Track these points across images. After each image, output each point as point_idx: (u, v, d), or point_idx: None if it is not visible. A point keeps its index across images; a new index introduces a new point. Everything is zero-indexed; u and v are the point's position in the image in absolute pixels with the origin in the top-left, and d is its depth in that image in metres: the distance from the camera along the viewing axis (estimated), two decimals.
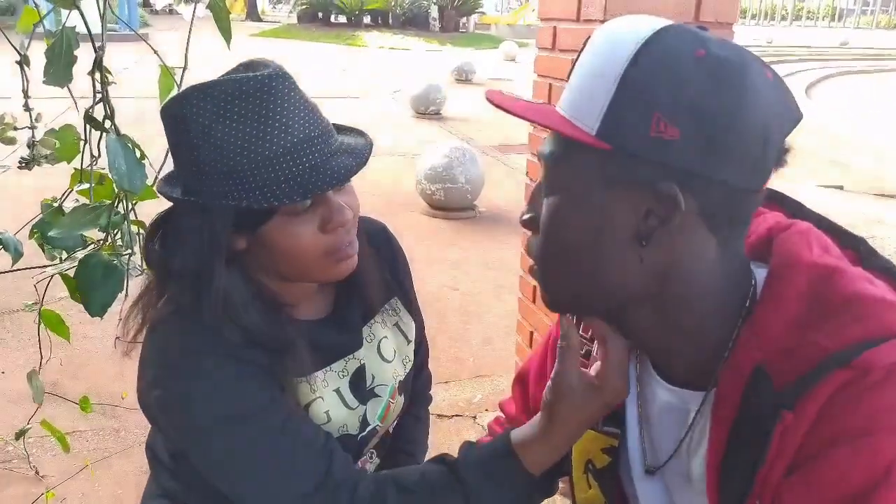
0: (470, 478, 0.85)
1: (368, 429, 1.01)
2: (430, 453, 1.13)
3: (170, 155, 0.91)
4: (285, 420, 0.88)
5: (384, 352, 1.05)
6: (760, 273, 0.69)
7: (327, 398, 0.96)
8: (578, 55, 0.67)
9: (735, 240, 0.67)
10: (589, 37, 0.67)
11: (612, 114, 0.61)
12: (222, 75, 0.85)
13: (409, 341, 1.11)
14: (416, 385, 1.22)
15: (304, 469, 0.86)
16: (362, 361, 1.01)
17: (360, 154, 0.87)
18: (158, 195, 0.92)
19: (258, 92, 0.80)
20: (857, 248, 0.71)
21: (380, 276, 1.05)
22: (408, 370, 1.09)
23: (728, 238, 0.65)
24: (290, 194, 0.81)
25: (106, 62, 1.30)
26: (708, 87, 0.59)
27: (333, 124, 0.92)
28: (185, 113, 0.82)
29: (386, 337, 1.07)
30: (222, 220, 0.83)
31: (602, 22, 1.80)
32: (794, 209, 0.77)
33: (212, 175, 0.82)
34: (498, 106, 0.68)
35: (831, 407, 0.59)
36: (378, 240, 1.11)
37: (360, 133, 0.96)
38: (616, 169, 0.63)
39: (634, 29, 0.62)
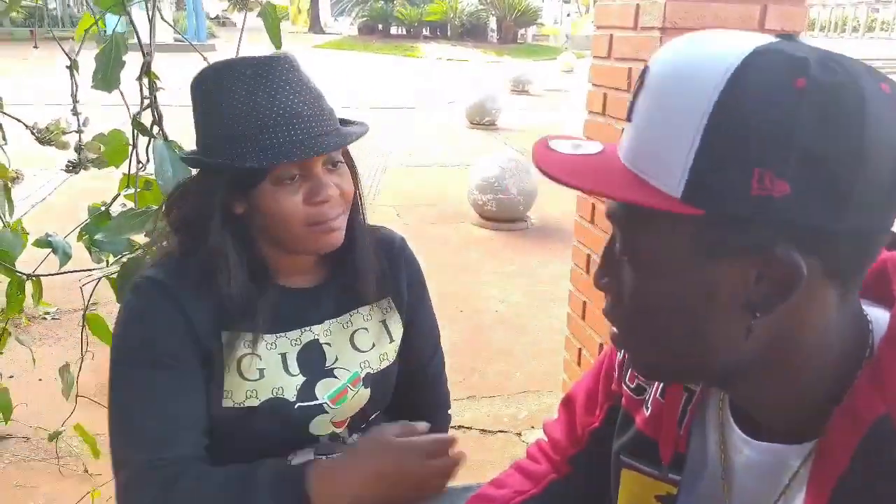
0: (259, 485, 0.92)
1: (313, 402, 1.04)
2: (474, 471, 1.09)
3: None
4: (173, 384, 0.96)
5: (358, 341, 1.10)
6: (876, 313, 0.60)
7: (266, 358, 1.02)
8: (637, 91, 0.57)
9: (856, 287, 0.57)
10: (646, 67, 0.56)
11: (700, 172, 0.50)
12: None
13: (391, 340, 1.14)
14: (430, 400, 1.25)
15: (150, 435, 0.94)
16: (317, 337, 1.06)
17: (346, 136, 0.97)
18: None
19: (256, 69, 0.92)
20: None
21: (375, 273, 1.10)
22: (383, 366, 1.12)
23: (850, 288, 0.56)
24: (266, 159, 0.90)
25: (171, 72, 1.31)
26: (818, 126, 0.48)
27: (341, 119, 1.01)
28: (199, 85, 0.96)
29: (366, 329, 1.11)
30: (217, 179, 0.94)
31: (661, 30, 1.74)
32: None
33: (212, 137, 0.95)
34: (551, 177, 0.57)
35: None
36: (390, 247, 1.16)
37: (361, 124, 1.04)
38: (715, 236, 0.52)
39: (713, 58, 0.51)
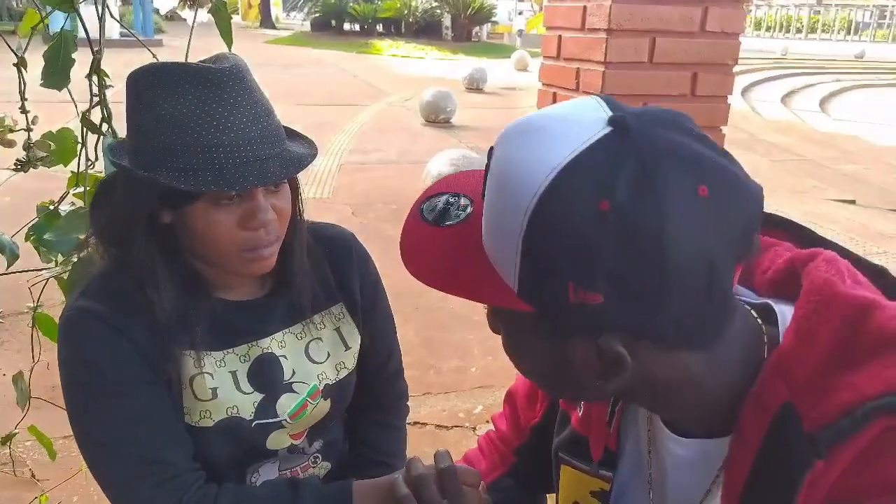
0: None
1: (272, 419, 1.01)
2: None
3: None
4: (141, 407, 0.92)
5: (312, 352, 1.06)
6: (785, 310, 0.63)
7: (217, 377, 0.98)
8: (486, 168, 0.60)
9: (722, 335, 0.59)
10: (491, 149, 0.60)
11: (525, 279, 0.55)
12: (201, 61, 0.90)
13: (347, 348, 1.10)
14: (389, 395, 1.23)
15: (140, 457, 0.92)
16: (271, 350, 1.02)
17: (293, 164, 0.90)
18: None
19: (209, 83, 0.85)
20: (880, 279, 0.65)
21: (316, 282, 1.06)
22: (341, 377, 1.09)
23: (714, 344, 0.58)
24: (213, 183, 0.84)
25: (119, 69, 1.30)
26: (618, 250, 0.51)
27: (285, 128, 0.95)
28: (139, 83, 0.87)
29: (320, 339, 1.07)
30: (150, 192, 0.87)
31: (607, 32, 1.79)
32: (806, 237, 0.70)
33: (149, 147, 0.86)
34: (409, 269, 0.63)
35: (870, 455, 0.54)
36: (339, 247, 1.12)
37: (310, 143, 0.99)
38: (551, 327, 0.57)
39: (528, 173, 0.53)
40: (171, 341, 0.94)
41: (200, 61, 0.91)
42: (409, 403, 1.29)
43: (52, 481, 2.15)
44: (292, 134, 0.98)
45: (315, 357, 1.07)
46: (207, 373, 0.97)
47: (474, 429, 2.69)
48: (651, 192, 0.51)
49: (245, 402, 0.99)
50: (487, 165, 0.60)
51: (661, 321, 0.53)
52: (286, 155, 0.91)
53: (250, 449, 1.02)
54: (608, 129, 0.53)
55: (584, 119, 0.55)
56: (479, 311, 3.51)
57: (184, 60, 1.36)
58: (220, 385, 0.98)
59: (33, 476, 2.22)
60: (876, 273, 0.65)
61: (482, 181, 0.62)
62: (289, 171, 0.90)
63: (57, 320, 1.49)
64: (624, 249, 0.51)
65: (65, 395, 0.93)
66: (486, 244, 0.59)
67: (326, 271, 1.08)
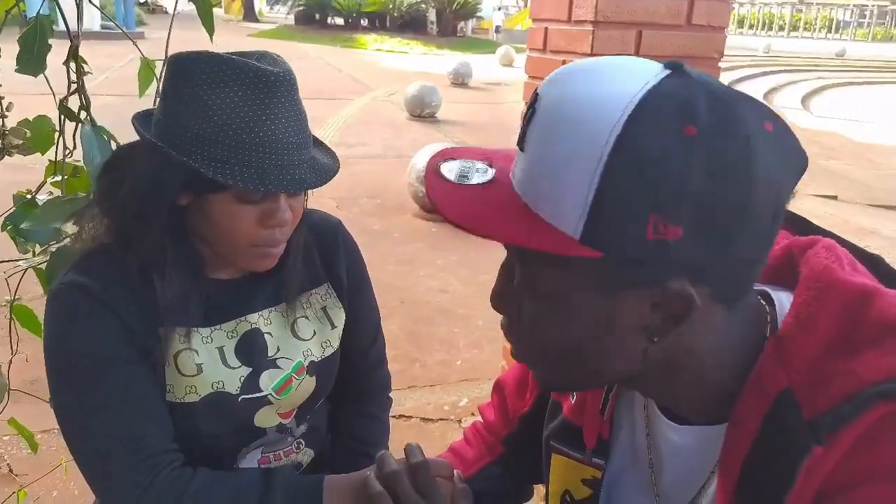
0: (275, 499, 0.91)
1: (257, 394, 1.02)
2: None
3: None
4: (122, 385, 0.92)
5: (299, 330, 1.08)
6: (782, 297, 0.63)
7: (203, 353, 0.99)
8: (528, 119, 0.56)
9: (744, 298, 0.60)
10: (536, 94, 0.56)
11: (598, 217, 0.51)
12: (233, 53, 0.91)
13: (333, 327, 1.12)
14: (370, 383, 1.24)
15: (128, 436, 0.91)
16: (257, 326, 1.04)
17: (324, 174, 0.94)
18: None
19: (261, 84, 0.87)
20: (875, 268, 0.64)
21: (304, 263, 1.08)
22: (327, 354, 1.11)
23: (738, 302, 0.59)
24: (249, 181, 0.86)
25: (101, 60, 1.28)
26: (707, 175, 0.50)
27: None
28: (192, 69, 0.88)
29: (306, 317, 1.09)
30: (179, 174, 0.88)
31: (593, 24, 1.78)
32: (801, 226, 0.70)
33: (187, 132, 0.87)
34: (439, 211, 0.57)
35: (868, 441, 0.54)
36: (326, 232, 1.14)
37: (332, 155, 1.02)
38: (611, 275, 0.54)
39: (608, 99, 0.51)
40: (163, 319, 0.95)
41: (239, 53, 0.91)
42: (392, 396, 1.29)
43: (31, 476, 2.12)
44: (315, 141, 1.00)
45: (301, 334, 1.08)
46: (193, 349, 0.98)
47: (459, 422, 2.68)
48: (731, 119, 0.51)
49: (231, 377, 1.00)
50: (531, 113, 0.56)
51: (727, 262, 0.53)
52: (314, 163, 0.94)
53: (239, 426, 1.02)
54: (668, 71, 0.53)
55: (638, 64, 0.54)
56: (463, 304, 3.54)
57: (164, 50, 1.36)
58: (205, 361, 0.99)
59: (11, 471, 2.18)
60: (871, 262, 0.65)
61: (486, 153, 0.60)
62: (320, 180, 0.93)
63: (36, 312, 1.47)
64: (712, 175, 0.50)
65: (47, 368, 0.93)
66: (536, 194, 0.54)
67: (314, 254, 1.10)
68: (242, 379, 1.01)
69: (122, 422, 0.92)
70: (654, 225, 0.50)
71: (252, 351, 1.03)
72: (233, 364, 1.01)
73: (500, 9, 30.16)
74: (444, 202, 0.57)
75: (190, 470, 0.94)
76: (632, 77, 0.52)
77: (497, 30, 26.18)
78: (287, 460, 1.11)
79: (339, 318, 1.14)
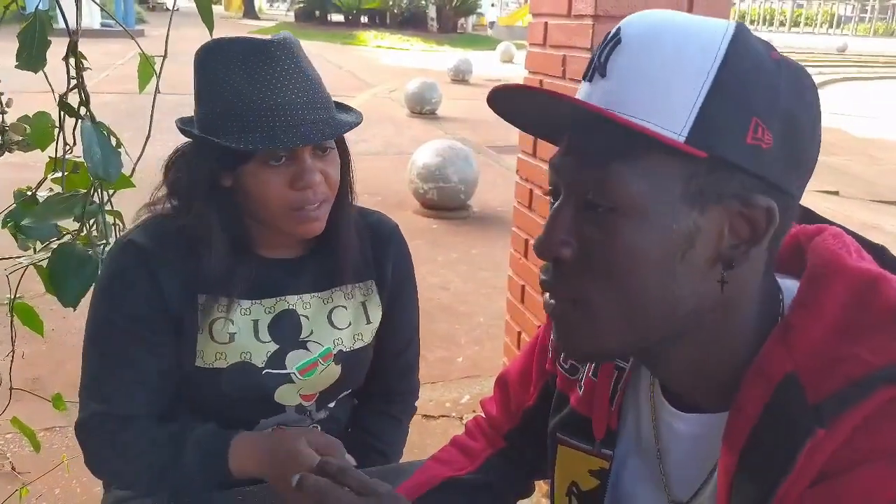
0: (187, 449, 1.00)
1: (281, 371, 1.07)
2: (417, 455, 1.12)
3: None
4: (126, 344, 1.02)
5: (335, 318, 1.12)
6: (787, 283, 0.64)
7: (239, 323, 1.05)
8: (609, 50, 0.58)
9: (775, 256, 0.62)
10: (618, 29, 0.59)
11: (706, 116, 0.54)
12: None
13: (368, 322, 1.15)
14: (399, 387, 1.26)
15: (105, 389, 1.02)
16: (294, 308, 1.09)
17: (336, 126, 0.99)
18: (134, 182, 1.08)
19: (261, 53, 0.95)
20: (879, 257, 0.65)
21: (356, 255, 1.12)
22: (357, 346, 1.13)
23: (773, 256, 0.61)
24: (261, 142, 0.93)
25: (100, 58, 1.28)
26: (792, 93, 0.56)
27: (337, 104, 1.05)
28: (200, 58, 0.99)
29: (345, 307, 1.13)
30: (209, 153, 0.97)
31: (593, 18, 1.78)
32: (807, 217, 0.71)
33: (210, 113, 0.97)
34: (562, 98, 0.57)
35: (870, 424, 0.54)
36: (380, 232, 1.19)
37: (356, 113, 1.08)
38: (704, 180, 0.55)
39: (710, 23, 0.57)
40: (209, 288, 1.03)
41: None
42: (416, 405, 1.31)
43: (34, 474, 2.12)
44: (341, 106, 1.07)
45: (337, 323, 1.12)
46: (230, 319, 1.04)
47: (461, 418, 2.68)
48: (795, 63, 0.59)
49: (259, 350, 1.06)
50: (614, 42, 0.58)
51: (789, 188, 0.58)
52: (331, 121, 0.99)
53: (260, 398, 1.07)
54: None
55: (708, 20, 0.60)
56: (464, 301, 3.54)
57: (171, 51, 1.37)
58: (239, 331, 1.05)
59: (13, 469, 2.18)
60: (875, 251, 0.66)
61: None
62: (329, 133, 0.98)
63: (37, 310, 1.47)
64: (797, 95, 0.57)
65: (90, 304, 1.05)
66: (635, 103, 0.56)
67: (366, 247, 1.15)
68: (269, 354, 1.06)
69: (116, 376, 1.02)
70: (755, 128, 0.55)
71: (284, 329, 1.08)
72: (263, 338, 1.06)
73: (493, 5, 30.18)
74: (549, 92, 0.57)
75: (145, 424, 1.03)
76: (713, 21, 0.59)
77: (491, 25, 26.16)
78: None
79: (376, 314, 1.16)
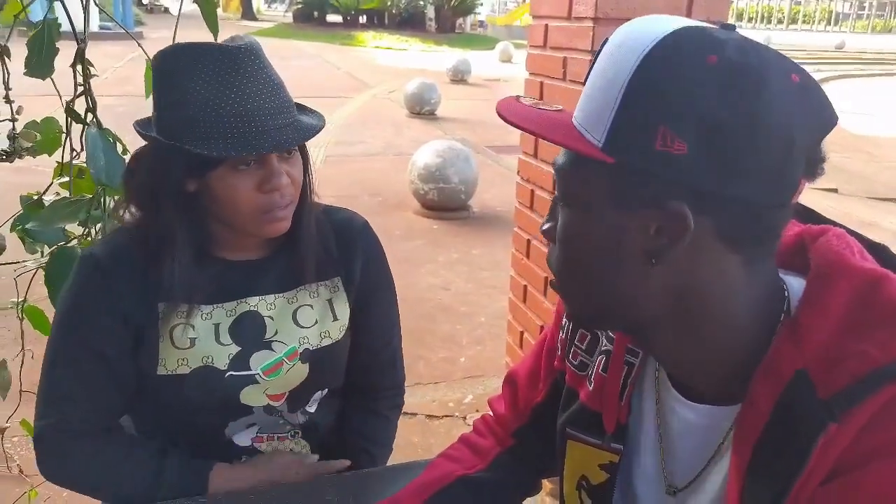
0: (171, 469, 1.04)
1: (245, 372, 1.07)
2: (421, 455, 1.12)
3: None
4: (81, 358, 1.02)
5: (300, 317, 1.12)
6: (793, 281, 0.66)
7: (199, 328, 1.05)
8: (594, 58, 0.63)
9: (764, 256, 0.63)
10: (606, 38, 0.63)
11: (617, 126, 0.58)
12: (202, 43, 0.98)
13: (335, 319, 1.15)
14: (384, 382, 1.26)
15: (57, 394, 1.03)
16: (256, 309, 1.09)
17: (303, 132, 1.00)
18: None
19: (226, 60, 0.94)
20: (881, 256, 0.67)
21: (320, 253, 1.13)
22: (324, 344, 1.13)
23: (754, 256, 0.61)
24: (233, 149, 0.94)
25: (100, 60, 1.29)
26: (717, 98, 0.54)
27: (296, 104, 1.05)
28: (164, 63, 0.97)
29: (310, 306, 1.13)
30: (176, 159, 0.96)
31: (593, 20, 1.79)
32: (810, 217, 0.73)
33: (174, 120, 0.96)
34: (506, 121, 0.64)
35: (880, 419, 0.56)
36: (348, 229, 1.18)
37: (318, 115, 1.09)
38: (624, 185, 0.59)
39: (647, 31, 0.58)
40: (169, 296, 1.02)
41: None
42: (401, 399, 1.30)
43: (41, 477, 2.13)
44: (301, 107, 1.08)
45: (302, 322, 1.11)
46: (191, 324, 1.04)
47: (464, 418, 2.70)
48: (756, 55, 0.56)
49: (220, 353, 1.05)
50: (598, 51, 0.63)
51: (730, 194, 0.56)
52: (297, 125, 1.00)
53: (225, 400, 1.07)
54: (717, 26, 0.59)
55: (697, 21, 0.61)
56: (465, 302, 3.55)
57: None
58: (199, 335, 1.05)
59: (21, 472, 2.19)
60: (876, 250, 0.67)
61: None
62: (300, 138, 0.99)
63: (46, 313, 1.48)
64: (722, 97, 0.55)
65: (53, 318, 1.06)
66: (584, 115, 0.61)
67: (331, 245, 1.14)
68: (231, 356, 1.06)
69: (69, 383, 1.03)
70: (662, 136, 0.55)
71: (247, 331, 1.07)
72: (224, 341, 1.06)
73: (481, 3, 30.24)
74: (510, 112, 0.65)
75: (95, 436, 1.05)
76: (682, 21, 0.59)
77: (481, 24, 26.18)
78: (281, 445, 1.14)
79: (344, 312, 1.15)
